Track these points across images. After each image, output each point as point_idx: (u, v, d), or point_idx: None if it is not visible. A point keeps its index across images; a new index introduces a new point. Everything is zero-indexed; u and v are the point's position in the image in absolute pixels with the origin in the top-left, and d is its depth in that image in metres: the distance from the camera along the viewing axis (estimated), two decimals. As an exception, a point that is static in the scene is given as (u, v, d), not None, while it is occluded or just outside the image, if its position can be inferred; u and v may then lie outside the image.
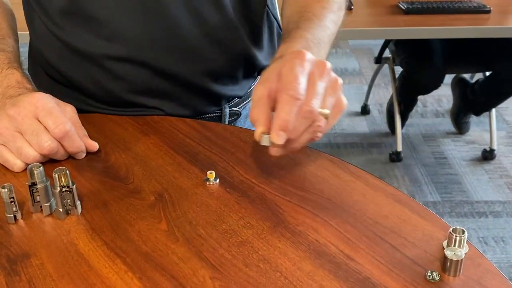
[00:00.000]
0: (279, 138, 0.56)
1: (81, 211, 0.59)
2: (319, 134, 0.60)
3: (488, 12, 1.91)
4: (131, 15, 0.75)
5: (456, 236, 0.51)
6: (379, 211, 0.59)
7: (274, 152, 0.60)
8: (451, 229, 0.52)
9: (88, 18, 0.76)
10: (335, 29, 0.75)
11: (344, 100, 0.61)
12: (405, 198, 0.61)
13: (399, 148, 2.34)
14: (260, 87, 0.60)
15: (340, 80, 0.61)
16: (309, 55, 0.60)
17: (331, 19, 0.74)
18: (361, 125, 2.65)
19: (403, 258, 0.52)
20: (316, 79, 0.58)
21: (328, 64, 0.60)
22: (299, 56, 0.59)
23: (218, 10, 0.78)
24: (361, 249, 0.54)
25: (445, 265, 0.50)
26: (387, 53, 2.43)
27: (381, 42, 2.43)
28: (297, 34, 0.69)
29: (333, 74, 0.60)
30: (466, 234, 0.51)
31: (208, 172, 0.64)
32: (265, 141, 0.57)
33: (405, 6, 1.93)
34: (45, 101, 0.66)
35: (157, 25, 0.76)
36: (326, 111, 0.59)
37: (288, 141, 0.58)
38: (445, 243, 0.53)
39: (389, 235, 0.55)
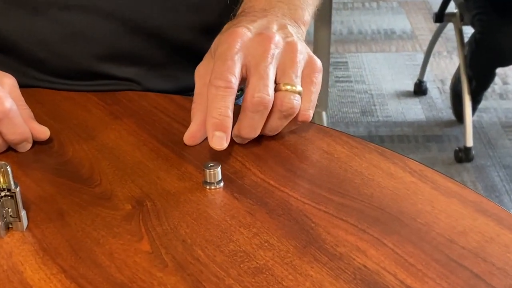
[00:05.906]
0: (217, 141, 0.63)
1: (27, 225, 0.59)
2: (303, 115, 0.67)
3: None
4: None
5: None
6: (454, 226, 0.59)
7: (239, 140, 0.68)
8: (560, 250, 0.51)
9: None
10: None
11: (316, 58, 0.68)
12: (492, 207, 0.61)
13: (469, 143, 2.34)
14: (201, 72, 0.70)
15: (297, 43, 0.67)
16: (247, 33, 0.67)
17: None
18: (415, 110, 2.65)
19: (490, 292, 0.52)
20: (258, 59, 0.65)
21: (275, 36, 0.67)
22: (232, 35, 0.67)
23: None
24: (429, 279, 0.53)
25: (553, 301, 0.50)
26: (451, 8, 2.42)
27: (443, -8, 2.44)
28: None
29: (284, 40, 0.67)
30: None
31: (208, 165, 0.63)
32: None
33: None
34: (-26, 71, 0.66)
35: None
36: (296, 88, 0.65)
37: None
38: (551, 271, 0.53)
39: (469, 260, 0.55)
